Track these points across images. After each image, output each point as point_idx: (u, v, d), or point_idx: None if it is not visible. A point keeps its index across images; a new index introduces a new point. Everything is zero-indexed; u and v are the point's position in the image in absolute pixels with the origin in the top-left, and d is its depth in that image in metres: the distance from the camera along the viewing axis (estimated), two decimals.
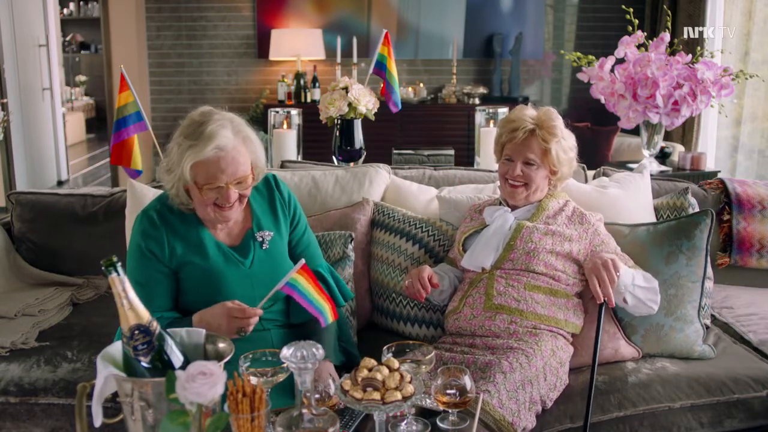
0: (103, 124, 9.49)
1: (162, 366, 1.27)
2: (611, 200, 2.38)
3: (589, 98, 3.70)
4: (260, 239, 1.91)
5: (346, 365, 1.98)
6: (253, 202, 1.94)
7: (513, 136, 2.10)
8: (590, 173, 2.75)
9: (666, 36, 3.36)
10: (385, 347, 1.63)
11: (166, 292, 1.85)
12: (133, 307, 1.25)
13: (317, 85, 6.00)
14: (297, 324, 1.95)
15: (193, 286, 1.86)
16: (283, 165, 2.90)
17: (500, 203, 2.22)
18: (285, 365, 1.44)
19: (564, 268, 2.05)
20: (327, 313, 1.75)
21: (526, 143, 2.09)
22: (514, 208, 2.16)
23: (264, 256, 1.91)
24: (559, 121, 2.11)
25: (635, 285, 1.97)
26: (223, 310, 1.72)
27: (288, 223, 2.00)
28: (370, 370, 1.48)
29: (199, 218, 1.87)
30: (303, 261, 1.71)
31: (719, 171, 3.94)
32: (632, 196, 2.42)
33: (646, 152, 3.64)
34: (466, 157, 5.29)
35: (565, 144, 2.11)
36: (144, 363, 1.26)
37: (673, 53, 3.39)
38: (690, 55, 3.35)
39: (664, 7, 5.24)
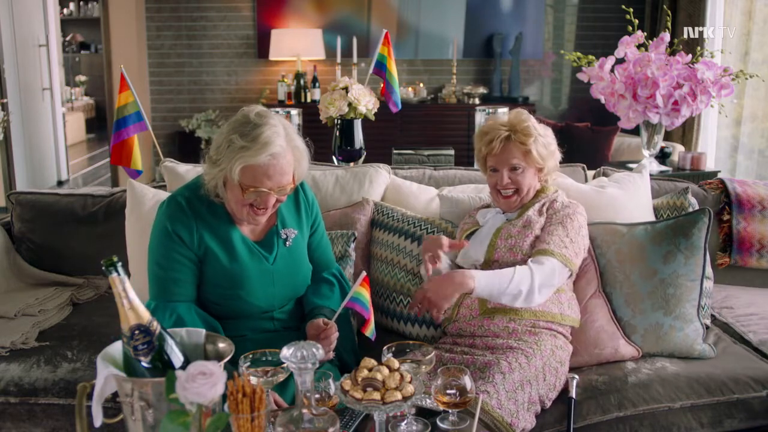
0: (103, 124, 9.49)
1: (162, 366, 1.27)
2: (610, 200, 2.38)
3: (589, 98, 3.70)
4: (284, 236, 1.93)
5: (346, 365, 1.98)
6: None
7: (491, 148, 2.10)
8: (590, 173, 2.75)
9: (666, 36, 3.36)
10: (385, 347, 1.63)
11: (189, 280, 1.83)
12: (133, 307, 1.25)
13: (317, 85, 6.00)
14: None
15: (215, 278, 1.85)
16: None
17: (489, 205, 2.24)
18: (285, 365, 1.44)
19: None
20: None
21: (505, 150, 2.09)
22: (507, 210, 2.18)
23: (286, 254, 1.92)
24: (531, 120, 2.12)
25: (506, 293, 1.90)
26: None
27: (309, 225, 2.02)
28: (370, 370, 1.48)
29: (227, 211, 1.87)
30: (364, 273, 1.77)
31: (719, 171, 3.94)
32: (631, 196, 2.42)
33: (646, 152, 3.64)
34: (466, 157, 5.30)
35: (543, 140, 2.11)
36: (144, 363, 1.26)
37: (673, 53, 3.39)
38: (690, 55, 3.35)
39: (664, 7, 5.24)
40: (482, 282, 1.88)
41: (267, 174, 1.75)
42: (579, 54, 3.57)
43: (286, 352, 1.38)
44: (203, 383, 1.13)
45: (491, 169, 2.14)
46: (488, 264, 2.06)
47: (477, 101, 6.04)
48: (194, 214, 1.84)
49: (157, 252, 1.84)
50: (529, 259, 1.98)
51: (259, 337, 1.88)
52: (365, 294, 1.79)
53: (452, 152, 3.88)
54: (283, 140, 1.77)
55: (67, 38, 10.64)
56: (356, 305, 1.78)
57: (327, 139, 3.15)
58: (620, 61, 3.43)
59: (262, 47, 6.24)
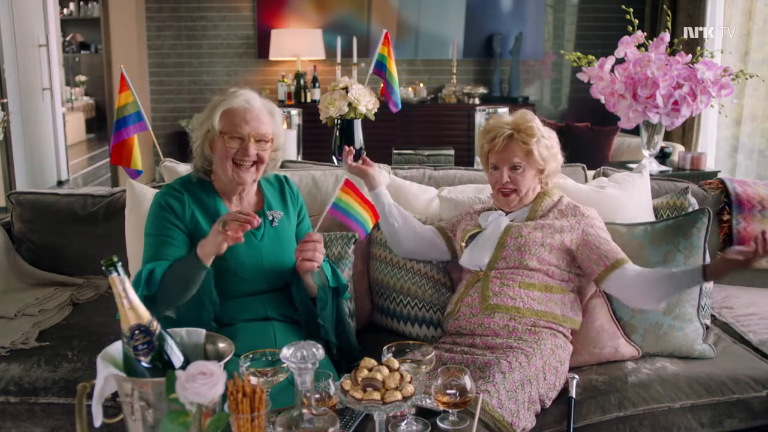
0: (103, 124, 9.50)
1: (162, 366, 1.27)
2: (609, 200, 2.38)
3: (589, 98, 3.70)
4: (271, 217, 2.03)
5: (346, 365, 1.98)
6: (265, 189, 2.08)
7: (494, 145, 2.11)
8: (590, 173, 2.75)
9: (666, 36, 3.36)
10: (385, 347, 1.63)
11: (180, 246, 1.91)
12: (133, 307, 1.25)
13: (317, 85, 6.00)
14: (298, 320, 1.99)
15: None
16: (283, 165, 2.89)
17: (492, 208, 2.24)
18: (285, 365, 1.44)
19: (557, 262, 2.05)
20: (368, 224, 2.05)
21: (508, 149, 2.10)
22: (509, 211, 2.17)
23: (273, 233, 2.01)
24: (535, 121, 2.13)
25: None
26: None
27: (296, 214, 2.11)
28: (370, 370, 1.48)
29: (217, 191, 1.99)
30: (346, 177, 1.97)
31: (719, 171, 3.94)
32: (631, 196, 2.42)
33: (646, 152, 3.64)
34: (466, 157, 5.30)
35: (545, 141, 2.11)
36: (144, 363, 1.26)
37: (673, 53, 3.39)
38: (690, 55, 3.35)
39: (664, 7, 5.24)
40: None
41: (244, 118, 1.90)
42: (579, 54, 3.58)
43: (286, 352, 1.38)
44: (203, 383, 1.13)
45: (492, 167, 2.15)
46: (494, 263, 2.06)
47: (477, 101, 6.03)
48: (187, 191, 1.97)
49: (150, 225, 1.94)
50: (624, 269, 1.96)
51: (252, 327, 1.89)
52: (348, 201, 1.86)
53: (452, 152, 3.88)
54: (257, 98, 1.96)
55: (67, 38, 10.64)
56: (338, 212, 1.90)
57: (327, 139, 3.16)
58: (620, 61, 3.43)
59: (262, 47, 6.24)
